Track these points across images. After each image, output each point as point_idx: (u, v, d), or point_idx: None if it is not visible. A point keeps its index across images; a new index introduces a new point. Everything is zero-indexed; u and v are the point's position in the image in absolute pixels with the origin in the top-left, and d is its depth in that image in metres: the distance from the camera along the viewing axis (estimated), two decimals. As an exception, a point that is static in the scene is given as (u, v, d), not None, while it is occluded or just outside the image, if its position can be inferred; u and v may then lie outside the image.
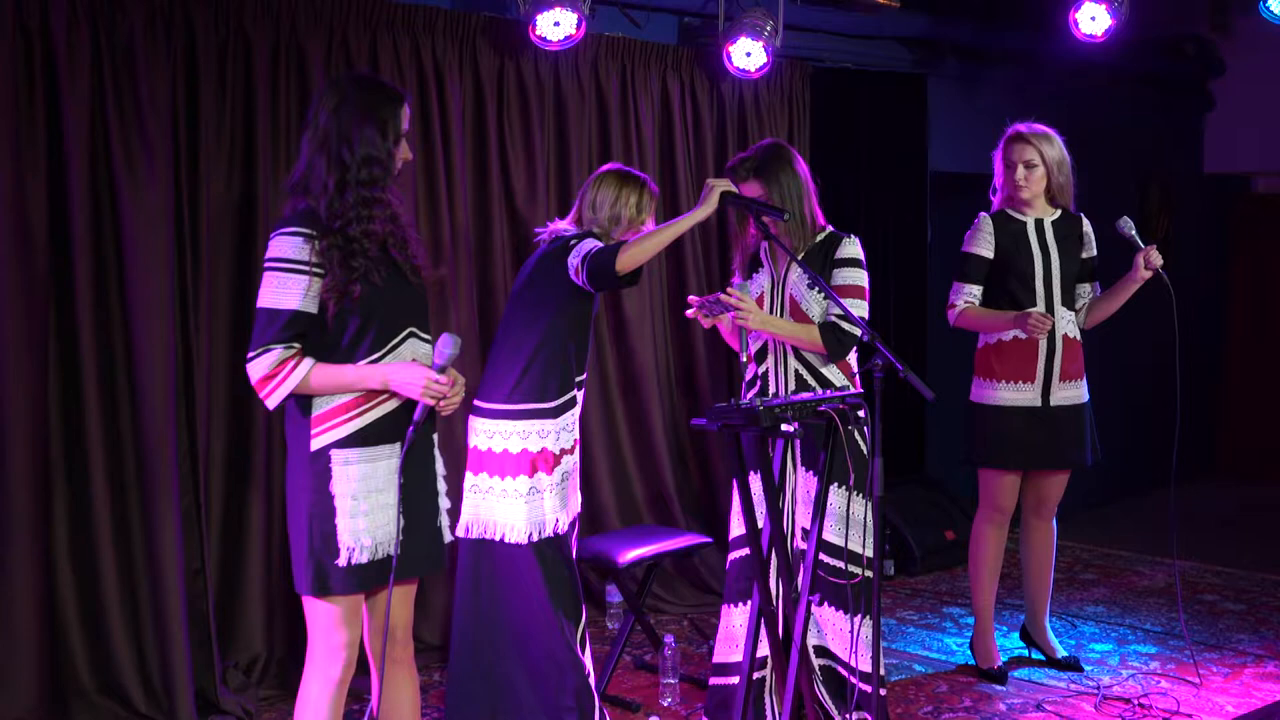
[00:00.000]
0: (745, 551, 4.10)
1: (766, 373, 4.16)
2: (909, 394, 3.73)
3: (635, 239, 3.92)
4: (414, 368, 3.13)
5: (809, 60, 6.21)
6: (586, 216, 4.17)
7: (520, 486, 3.99)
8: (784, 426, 3.61)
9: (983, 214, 4.73)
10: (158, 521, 4.34)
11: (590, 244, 3.98)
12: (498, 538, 4.01)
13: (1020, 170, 4.64)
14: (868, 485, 3.76)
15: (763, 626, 3.79)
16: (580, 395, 4.10)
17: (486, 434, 4.04)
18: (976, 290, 4.70)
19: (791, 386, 4.09)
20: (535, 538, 3.99)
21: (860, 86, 6.54)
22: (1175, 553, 5.29)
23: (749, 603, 4.02)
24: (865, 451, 4.03)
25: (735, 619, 4.16)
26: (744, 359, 3.99)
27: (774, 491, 3.87)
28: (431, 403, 3.11)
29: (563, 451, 4.03)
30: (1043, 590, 4.96)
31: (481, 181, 5.21)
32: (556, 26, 5.01)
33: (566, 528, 4.07)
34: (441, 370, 3.12)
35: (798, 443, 4.10)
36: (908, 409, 6.58)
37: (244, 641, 4.67)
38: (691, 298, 4.02)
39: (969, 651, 5.04)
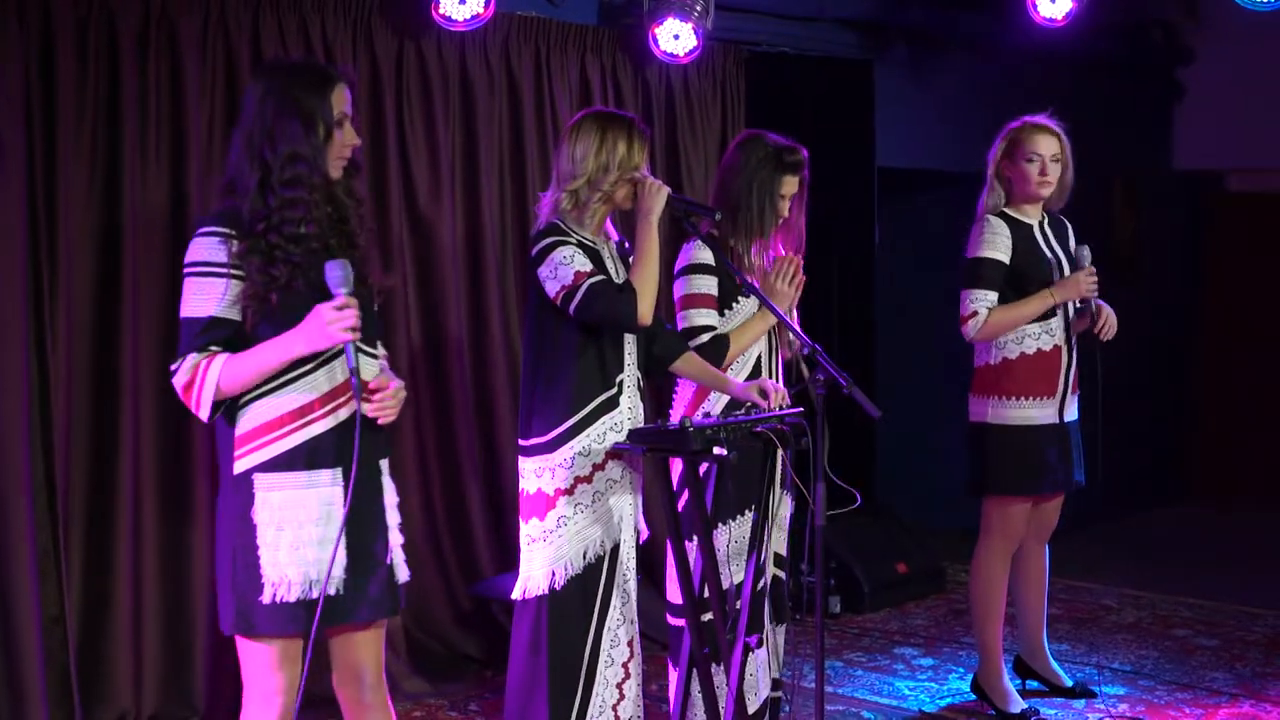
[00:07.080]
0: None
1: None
2: (854, 412, 3.75)
3: (638, 279, 3.79)
4: (315, 313, 3.06)
5: (744, 44, 6.23)
6: (565, 173, 3.89)
7: (531, 531, 3.91)
8: (716, 450, 3.61)
9: (988, 215, 4.73)
10: (10, 562, 4.27)
11: (564, 265, 3.75)
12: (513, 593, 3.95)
13: (1048, 165, 4.72)
14: (809, 513, 3.76)
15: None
16: (611, 416, 3.88)
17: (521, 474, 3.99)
18: (994, 297, 4.66)
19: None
20: (527, 594, 3.89)
21: (800, 73, 6.57)
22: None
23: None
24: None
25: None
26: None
27: (705, 522, 3.86)
28: (347, 336, 3.04)
29: (558, 492, 3.85)
30: (1041, 617, 5.05)
31: (378, 179, 5.15)
32: (462, 4, 4.99)
33: (562, 582, 3.86)
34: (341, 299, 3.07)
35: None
36: (853, 428, 6.60)
37: (110, 698, 4.58)
38: None
39: (923, 697, 5.06)
